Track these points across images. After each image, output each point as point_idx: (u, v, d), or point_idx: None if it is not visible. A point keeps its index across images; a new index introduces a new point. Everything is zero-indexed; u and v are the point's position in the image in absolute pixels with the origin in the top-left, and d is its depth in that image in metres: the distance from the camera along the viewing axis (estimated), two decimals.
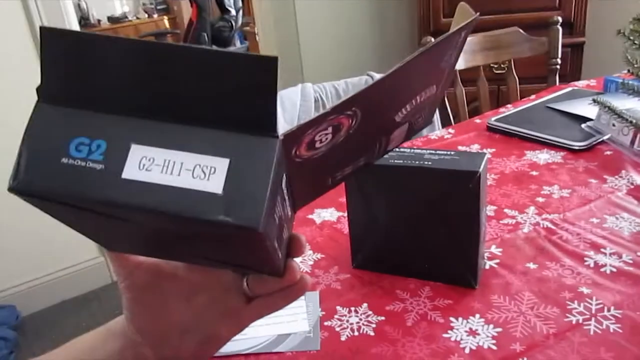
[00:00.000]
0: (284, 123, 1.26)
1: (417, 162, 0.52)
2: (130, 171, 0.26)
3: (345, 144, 0.32)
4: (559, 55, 1.34)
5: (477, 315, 0.51)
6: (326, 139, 0.30)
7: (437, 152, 0.53)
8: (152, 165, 0.26)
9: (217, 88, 0.26)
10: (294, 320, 0.52)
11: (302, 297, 0.55)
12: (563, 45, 1.36)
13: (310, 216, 0.71)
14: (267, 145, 0.27)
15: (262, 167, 0.26)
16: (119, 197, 0.26)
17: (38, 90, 0.27)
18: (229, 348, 0.49)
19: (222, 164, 0.26)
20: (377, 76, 1.49)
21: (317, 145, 0.30)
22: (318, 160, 0.32)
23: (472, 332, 0.49)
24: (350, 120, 0.31)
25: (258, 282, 0.35)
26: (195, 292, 0.36)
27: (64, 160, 0.26)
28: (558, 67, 1.35)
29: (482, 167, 0.50)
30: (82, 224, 0.31)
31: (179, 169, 0.26)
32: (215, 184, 0.26)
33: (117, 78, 0.27)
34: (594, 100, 0.66)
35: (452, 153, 0.53)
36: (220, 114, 0.27)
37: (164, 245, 0.33)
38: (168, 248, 0.33)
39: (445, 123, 1.30)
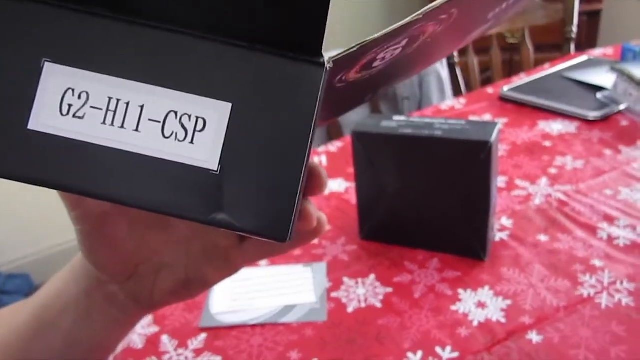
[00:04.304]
0: None
1: (426, 132, 0.50)
2: (43, 117, 0.15)
3: (414, 55, 0.22)
4: (575, 23, 1.30)
5: (486, 288, 0.50)
6: (392, 55, 0.20)
7: (448, 121, 0.52)
8: (86, 106, 0.15)
9: None
10: (300, 291, 0.52)
11: (310, 269, 0.55)
12: (579, 13, 1.31)
13: None
14: (307, 78, 0.16)
15: (293, 120, 0.16)
16: (19, 170, 0.15)
17: None
18: (233, 319, 0.49)
19: (217, 113, 0.15)
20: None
21: (375, 64, 0.20)
22: (365, 80, 0.22)
23: (481, 305, 0.48)
24: (437, 26, 0.20)
25: None
26: (171, 223, 0.29)
27: None
28: (574, 35, 1.31)
29: (493, 136, 0.48)
30: None
31: (137, 117, 0.15)
32: (203, 151, 0.15)
33: None
34: (612, 68, 0.64)
35: (463, 122, 0.51)
36: (223, 15, 0.15)
37: None
38: None
39: (457, 93, 1.27)
